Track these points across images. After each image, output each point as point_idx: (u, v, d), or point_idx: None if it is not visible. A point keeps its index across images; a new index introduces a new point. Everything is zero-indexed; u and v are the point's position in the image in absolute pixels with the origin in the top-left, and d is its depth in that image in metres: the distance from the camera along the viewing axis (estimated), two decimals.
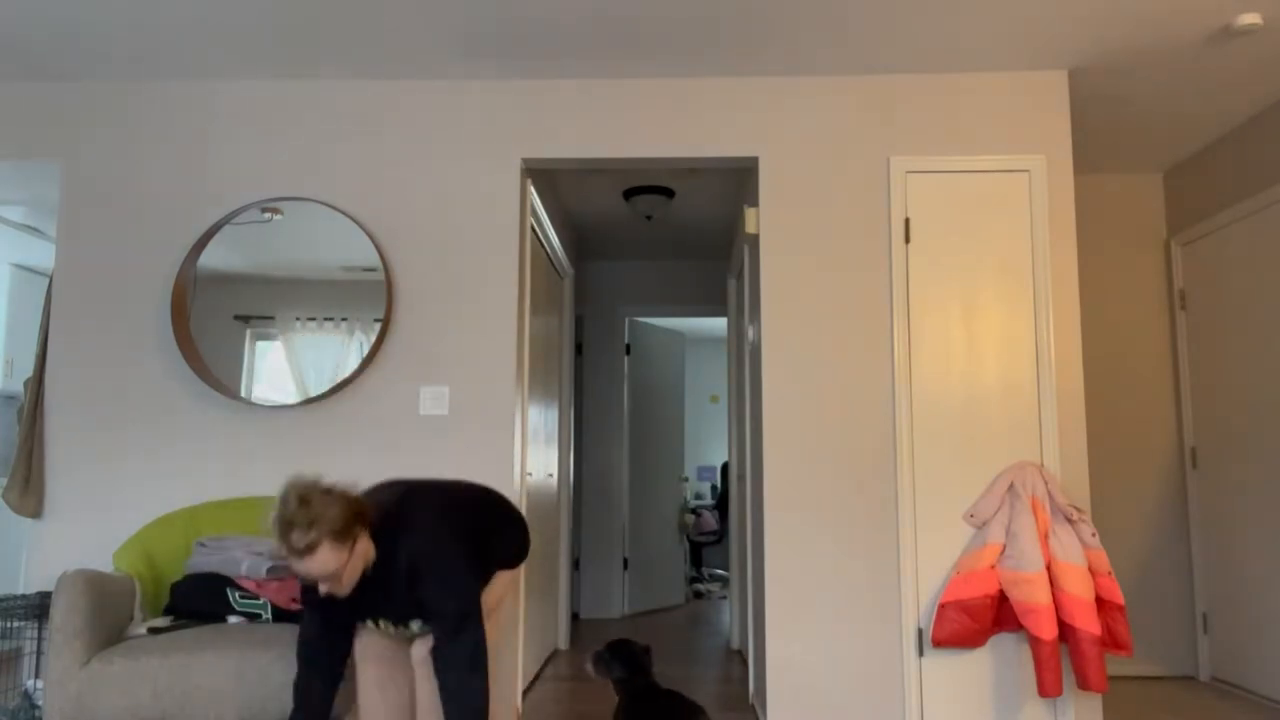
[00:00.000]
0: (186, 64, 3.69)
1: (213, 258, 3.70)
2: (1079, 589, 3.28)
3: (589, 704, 4.11)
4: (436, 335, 3.70)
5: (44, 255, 5.19)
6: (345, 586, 2.36)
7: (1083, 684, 3.22)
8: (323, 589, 2.36)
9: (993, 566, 3.38)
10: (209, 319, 3.67)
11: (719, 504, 9.12)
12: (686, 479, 8.72)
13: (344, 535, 2.32)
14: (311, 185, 3.77)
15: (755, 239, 3.89)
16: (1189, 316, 4.75)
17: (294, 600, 3.10)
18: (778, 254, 3.73)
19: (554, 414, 5.18)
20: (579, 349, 6.62)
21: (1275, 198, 4.07)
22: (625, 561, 6.63)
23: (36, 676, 3.37)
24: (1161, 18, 3.31)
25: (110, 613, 2.93)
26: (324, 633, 2.52)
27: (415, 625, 2.54)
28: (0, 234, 5.01)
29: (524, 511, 3.97)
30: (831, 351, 3.67)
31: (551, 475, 5.10)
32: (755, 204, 3.85)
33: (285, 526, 2.29)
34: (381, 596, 2.47)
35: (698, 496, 9.98)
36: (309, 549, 2.28)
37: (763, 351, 3.71)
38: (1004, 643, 3.49)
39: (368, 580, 2.45)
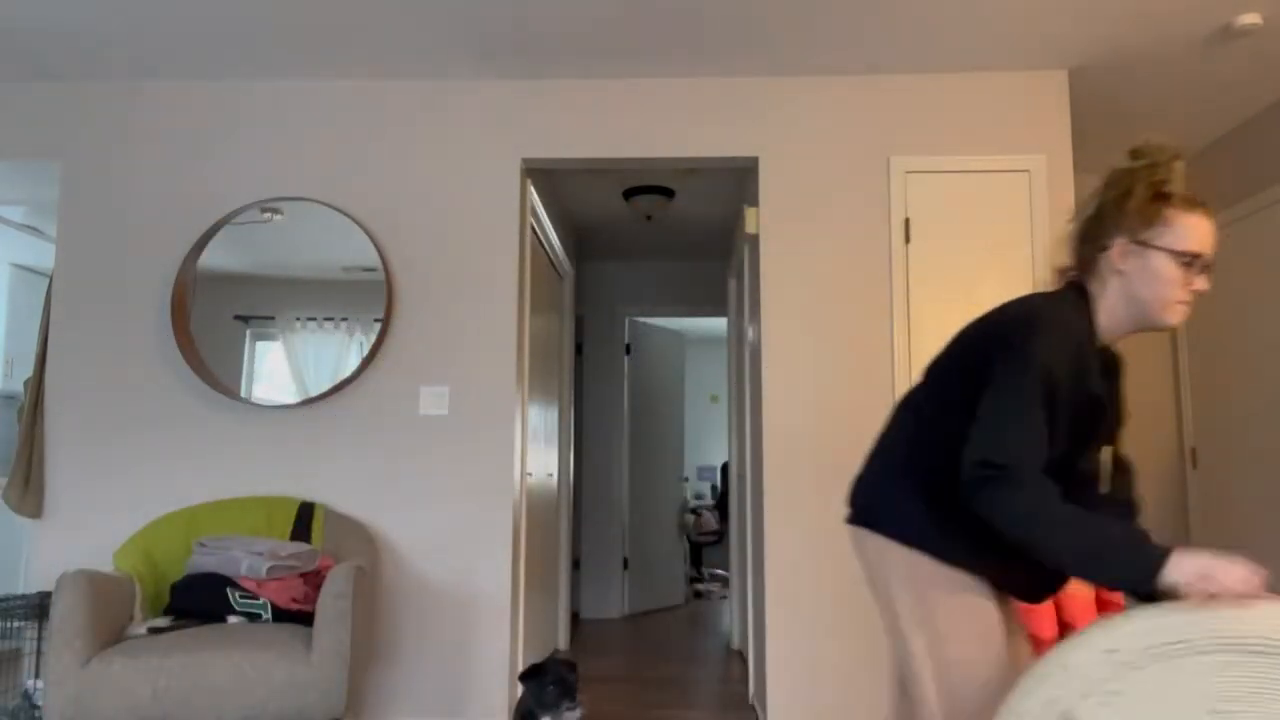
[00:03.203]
0: (186, 64, 3.69)
1: (213, 258, 3.70)
2: (1079, 588, 3.28)
3: (588, 704, 4.11)
4: (436, 335, 3.70)
5: (44, 255, 5.19)
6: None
7: None
8: (1204, 281, 1.71)
9: None
10: (209, 319, 3.67)
11: (719, 504, 9.13)
12: (686, 479, 8.72)
13: None
14: (311, 185, 3.77)
15: (755, 239, 3.89)
16: (1189, 316, 4.75)
17: (295, 600, 3.09)
18: (778, 254, 3.73)
19: (554, 414, 5.18)
20: (579, 349, 6.61)
21: (1275, 198, 4.07)
22: (625, 561, 6.63)
23: (36, 676, 3.37)
24: (1161, 18, 3.31)
25: (110, 613, 2.93)
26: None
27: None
28: (0, 234, 5.01)
29: (524, 511, 3.97)
30: (831, 352, 3.67)
31: (551, 475, 5.10)
32: (755, 204, 3.85)
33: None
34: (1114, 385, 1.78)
35: (698, 496, 9.97)
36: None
37: (763, 351, 3.71)
38: None
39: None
